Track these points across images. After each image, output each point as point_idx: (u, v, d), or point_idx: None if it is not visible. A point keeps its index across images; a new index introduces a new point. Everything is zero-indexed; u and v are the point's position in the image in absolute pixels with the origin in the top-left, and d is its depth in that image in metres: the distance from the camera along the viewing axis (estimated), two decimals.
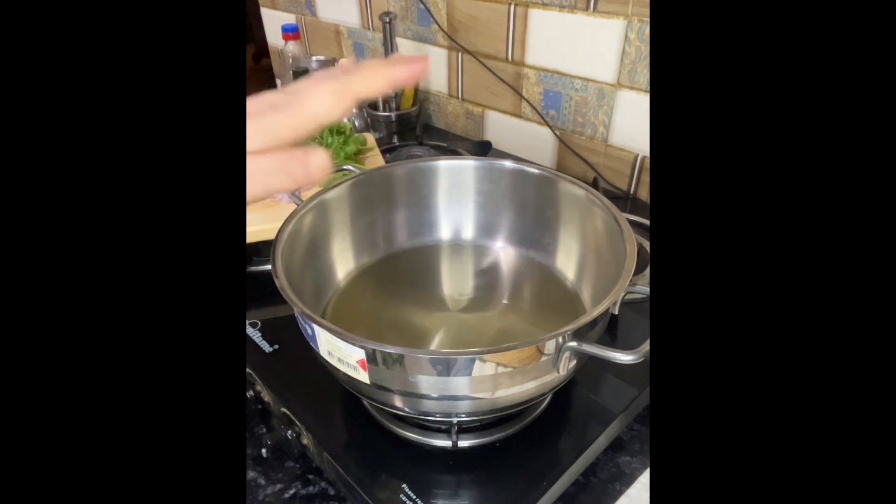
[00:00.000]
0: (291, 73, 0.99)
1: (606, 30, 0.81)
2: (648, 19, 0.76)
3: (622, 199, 0.89)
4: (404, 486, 0.43)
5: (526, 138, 1.02)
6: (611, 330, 0.59)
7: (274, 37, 1.57)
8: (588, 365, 0.45)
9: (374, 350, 0.38)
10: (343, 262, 0.60)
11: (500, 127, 1.07)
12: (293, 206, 0.53)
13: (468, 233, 0.65)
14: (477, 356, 0.37)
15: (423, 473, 0.44)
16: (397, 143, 1.04)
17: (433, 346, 0.52)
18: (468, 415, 0.43)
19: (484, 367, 0.37)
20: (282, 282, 0.42)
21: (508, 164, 0.61)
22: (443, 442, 0.47)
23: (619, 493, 0.48)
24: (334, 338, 0.38)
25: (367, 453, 0.46)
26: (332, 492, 0.49)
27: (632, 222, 0.66)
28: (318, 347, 0.42)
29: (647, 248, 0.71)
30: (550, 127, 0.96)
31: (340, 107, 0.27)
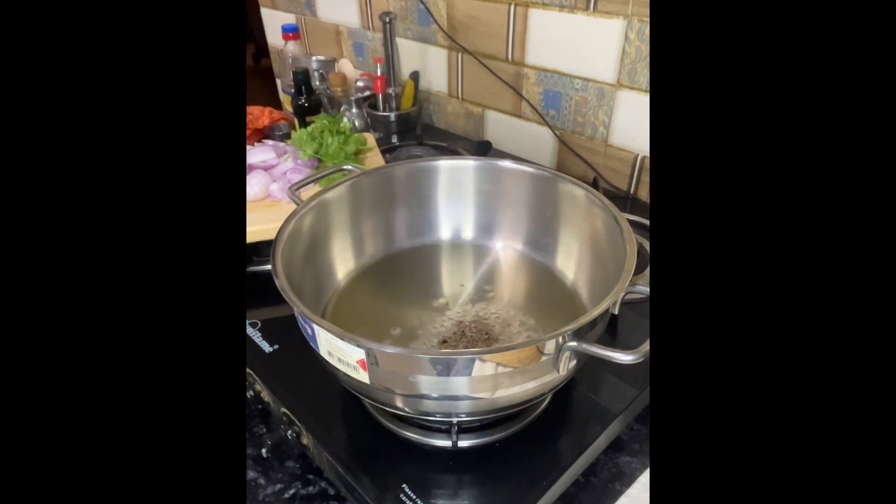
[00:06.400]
0: (291, 73, 0.99)
1: (606, 30, 0.81)
2: (648, 19, 0.76)
3: (622, 199, 0.89)
4: (404, 486, 0.43)
5: (526, 138, 1.02)
6: (611, 330, 0.59)
7: (274, 37, 1.57)
8: (588, 365, 0.45)
9: (374, 350, 0.38)
10: (343, 262, 0.60)
11: (500, 127, 1.07)
12: (293, 206, 0.53)
13: (468, 233, 0.65)
14: (477, 356, 0.37)
15: (423, 473, 0.44)
16: (397, 143, 1.04)
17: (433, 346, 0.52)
18: (468, 415, 0.43)
19: (484, 367, 0.37)
20: (282, 282, 0.42)
21: (508, 164, 0.61)
22: (443, 442, 0.46)
23: (619, 493, 0.48)
24: (334, 338, 0.38)
25: (367, 453, 0.46)
26: (332, 492, 0.49)
27: (632, 222, 0.66)
28: (318, 347, 0.42)
29: (647, 248, 0.71)
30: (550, 127, 0.96)
31: None
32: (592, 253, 0.55)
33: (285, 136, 0.95)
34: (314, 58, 1.19)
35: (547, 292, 0.59)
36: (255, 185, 0.72)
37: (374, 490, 0.43)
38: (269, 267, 0.46)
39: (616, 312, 0.60)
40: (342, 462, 0.45)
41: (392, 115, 1.07)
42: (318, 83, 1.12)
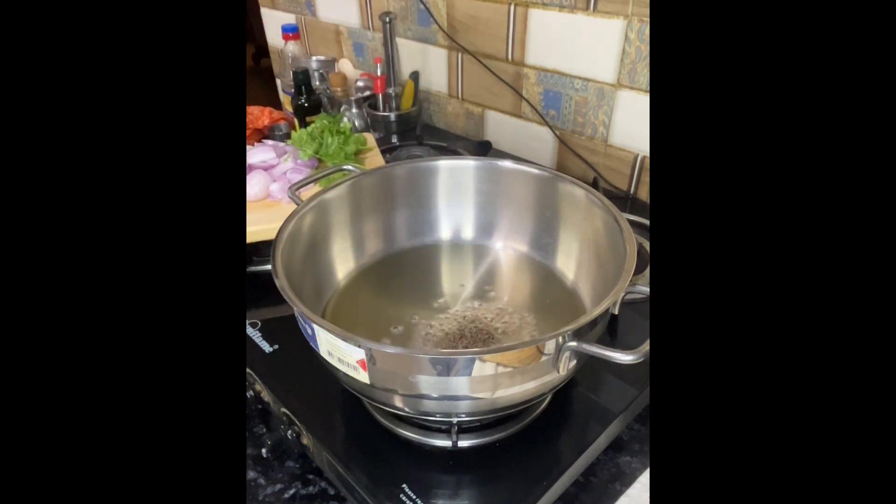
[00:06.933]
0: (291, 73, 0.99)
1: (606, 30, 0.81)
2: (648, 19, 0.76)
3: (622, 199, 0.89)
4: (404, 486, 0.43)
5: (526, 138, 1.02)
6: (611, 330, 0.59)
7: (274, 37, 1.57)
8: (588, 365, 0.45)
9: (373, 350, 0.38)
10: (343, 262, 0.60)
11: (500, 127, 1.07)
12: (293, 206, 0.53)
13: (468, 233, 0.65)
14: (477, 356, 0.37)
15: (423, 473, 0.44)
16: (397, 143, 1.04)
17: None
18: (468, 415, 0.43)
19: (484, 367, 0.37)
20: (282, 282, 0.42)
21: (508, 164, 0.61)
22: (443, 442, 0.46)
23: (619, 493, 0.48)
24: (334, 338, 0.38)
25: (367, 453, 0.46)
26: (332, 492, 0.49)
27: (632, 222, 0.66)
28: (318, 347, 0.42)
29: (647, 248, 0.71)
30: (550, 127, 0.96)
31: None
32: (592, 253, 0.55)
33: (285, 136, 0.95)
34: (314, 58, 1.19)
35: (547, 292, 0.59)
36: (255, 185, 0.72)
37: (374, 490, 0.43)
38: (269, 267, 0.46)
39: (616, 312, 0.60)
40: (342, 462, 0.45)
41: (392, 115, 1.07)
42: (318, 83, 1.12)
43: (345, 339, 0.38)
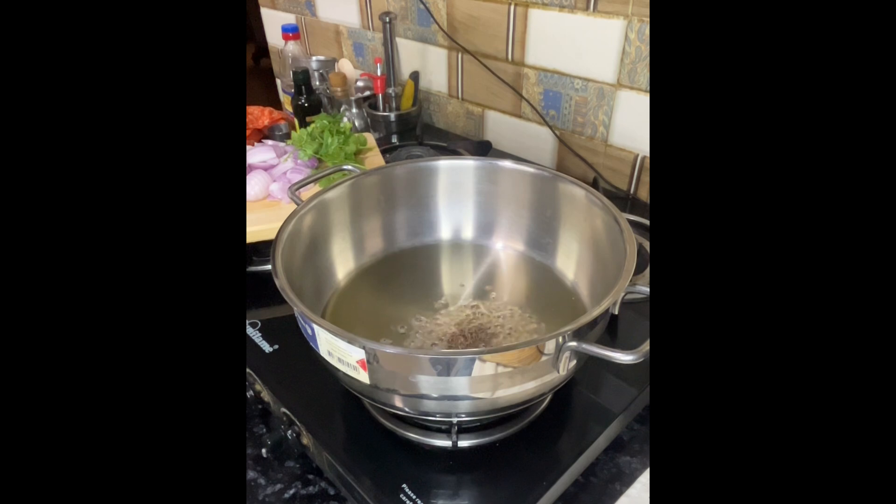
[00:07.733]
0: (291, 73, 0.99)
1: (606, 30, 0.81)
2: (648, 19, 0.76)
3: (622, 199, 0.89)
4: (404, 486, 0.43)
5: (526, 138, 1.02)
6: (611, 330, 0.59)
7: (274, 37, 1.57)
8: (588, 365, 0.45)
9: (374, 350, 0.38)
10: (343, 262, 0.60)
11: (500, 127, 1.07)
12: (293, 206, 0.53)
13: (468, 233, 0.65)
14: (477, 356, 0.37)
15: (423, 473, 0.44)
16: (397, 143, 1.04)
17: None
18: (468, 415, 0.43)
19: (484, 367, 0.37)
20: (282, 282, 0.42)
21: (508, 164, 0.61)
22: (443, 442, 0.47)
23: (619, 493, 0.48)
24: (334, 338, 0.38)
25: (367, 453, 0.46)
26: (332, 492, 0.49)
27: (632, 222, 0.66)
28: (318, 347, 0.42)
29: (647, 248, 0.71)
30: (550, 127, 0.96)
31: None
32: (592, 253, 0.56)
33: (285, 136, 0.95)
34: (314, 58, 1.19)
35: (547, 292, 0.59)
36: (255, 185, 0.72)
37: (374, 490, 0.43)
38: (269, 267, 0.46)
39: (616, 312, 0.60)
40: (342, 462, 0.45)
41: (392, 115, 1.07)
42: (318, 83, 1.12)
43: (345, 339, 0.38)
